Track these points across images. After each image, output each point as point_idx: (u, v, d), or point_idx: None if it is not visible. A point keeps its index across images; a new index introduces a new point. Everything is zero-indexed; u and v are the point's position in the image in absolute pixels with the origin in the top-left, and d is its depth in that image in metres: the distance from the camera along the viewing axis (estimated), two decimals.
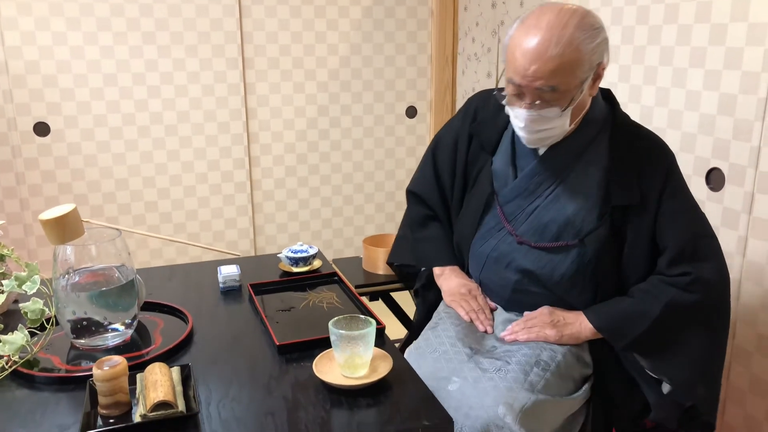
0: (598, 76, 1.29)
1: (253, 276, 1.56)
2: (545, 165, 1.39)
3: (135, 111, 3.12)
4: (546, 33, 1.20)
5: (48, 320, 1.23)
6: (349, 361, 1.08)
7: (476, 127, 1.52)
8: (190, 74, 3.16)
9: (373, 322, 1.12)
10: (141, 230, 2.54)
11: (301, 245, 1.63)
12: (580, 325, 1.36)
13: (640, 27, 1.93)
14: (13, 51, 2.89)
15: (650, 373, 1.36)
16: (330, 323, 1.11)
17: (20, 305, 1.24)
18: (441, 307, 1.55)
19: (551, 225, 1.37)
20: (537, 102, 1.25)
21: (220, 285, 1.49)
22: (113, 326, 1.21)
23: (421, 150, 3.62)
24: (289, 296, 1.46)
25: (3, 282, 1.27)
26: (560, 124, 1.30)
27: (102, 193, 3.17)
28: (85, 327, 1.19)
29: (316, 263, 1.64)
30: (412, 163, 3.65)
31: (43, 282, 1.27)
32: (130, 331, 1.25)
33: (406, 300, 2.42)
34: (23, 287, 1.24)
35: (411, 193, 1.70)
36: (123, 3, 2.98)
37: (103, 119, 3.08)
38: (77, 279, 1.21)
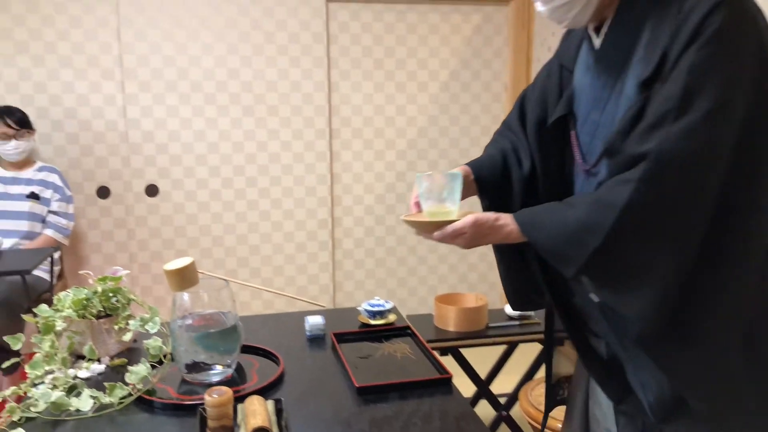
0: None
1: (335, 326, 1.75)
2: (606, 56, 1.16)
3: (233, 175, 3.46)
4: None
5: (165, 356, 1.45)
6: (432, 211, 1.21)
7: (563, 47, 1.34)
8: (283, 143, 3.49)
9: (459, 173, 1.24)
10: (236, 281, 2.80)
11: (378, 300, 1.81)
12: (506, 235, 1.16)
13: None
14: (133, 123, 3.31)
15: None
16: (417, 175, 1.24)
17: (144, 342, 1.47)
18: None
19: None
20: None
21: (307, 333, 1.68)
22: (218, 364, 1.42)
23: None
24: (367, 345, 1.63)
25: (129, 322, 1.52)
26: None
27: (200, 248, 3.49)
28: (195, 363, 1.41)
29: (392, 317, 1.80)
30: None
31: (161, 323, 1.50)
32: (231, 369, 1.45)
33: (474, 356, 2.53)
34: (146, 327, 1.48)
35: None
36: (227, 80, 3.37)
37: (204, 182, 3.43)
38: (190, 322, 1.43)
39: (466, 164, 1.40)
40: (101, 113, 3.28)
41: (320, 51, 3.47)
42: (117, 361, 1.50)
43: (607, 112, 1.16)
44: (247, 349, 1.57)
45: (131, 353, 1.58)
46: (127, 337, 1.51)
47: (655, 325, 1.06)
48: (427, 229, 1.20)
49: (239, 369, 1.49)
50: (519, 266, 1.38)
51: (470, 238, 1.16)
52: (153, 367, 1.45)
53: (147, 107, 3.32)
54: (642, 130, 1.02)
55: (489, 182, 1.38)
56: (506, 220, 1.16)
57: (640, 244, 1.03)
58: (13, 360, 1.47)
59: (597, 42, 1.18)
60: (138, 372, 1.36)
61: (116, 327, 1.53)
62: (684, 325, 1.07)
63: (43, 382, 1.34)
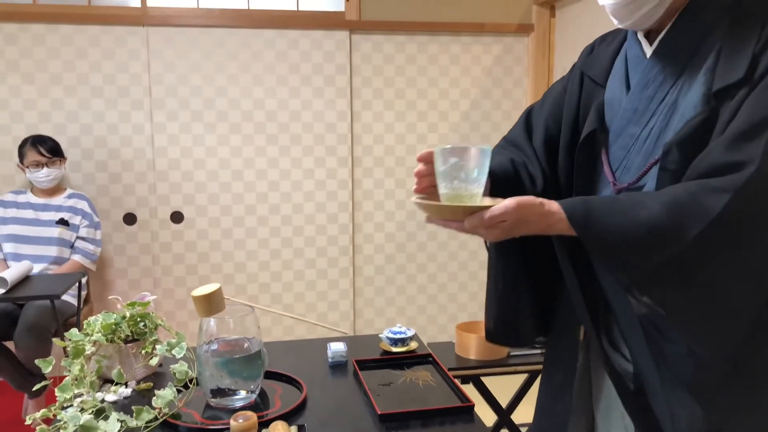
0: None
1: (357, 353, 1.76)
2: (657, 66, 1.09)
3: (256, 203, 3.52)
4: None
5: (191, 381, 1.48)
6: (455, 194, 1.00)
7: (589, 60, 1.26)
8: (305, 171, 3.54)
9: (489, 147, 1.02)
10: (261, 307, 2.83)
11: (400, 327, 1.82)
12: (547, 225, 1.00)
13: None
14: (160, 151, 3.39)
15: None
16: (437, 149, 1.02)
17: (171, 367, 1.50)
18: None
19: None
20: None
21: (329, 359, 1.70)
22: (242, 389, 1.44)
23: None
24: (389, 373, 1.64)
25: (156, 347, 1.55)
26: None
27: (223, 274, 3.54)
28: (220, 388, 1.43)
29: (413, 344, 1.81)
30: None
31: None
32: (255, 395, 1.47)
33: (496, 385, 2.52)
34: (173, 351, 1.51)
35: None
36: (252, 109, 3.45)
37: (228, 209, 3.49)
38: (216, 347, 1.46)
39: None
40: (130, 142, 3.37)
41: (343, 81, 3.53)
42: (143, 385, 1.53)
43: (650, 126, 1.07)
44: (270, 375, 1.59)
45: (157, 377, 1.61)
46: (154, 361, 1.54)
47: (720, 367, 0.97)
48: (456, 214, 1.00)
49: (262, 395, 1.50)
50: (522, 285, 1.26)
51: (510, 226, 0.98)
52: (179, 391, 1.48)
53: (174, 136, 3.40)
54: (733, 137, 0.93)
55: (501, 183, 1.20)
56: (553, 206, 0.99)
57: (726, 264, 0.93)
58: (43, 383, 1.50)
59: (649, 50, 1.10)
60: (164, 396, 1.39)
61: (143, 351, 1.56)
62: (747, 371, 0.98)
63: (71, 405, 1.37)
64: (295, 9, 3.52)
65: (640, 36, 1.13)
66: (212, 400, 1.44)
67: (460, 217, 0.99)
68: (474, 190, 1.01)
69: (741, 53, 0.97)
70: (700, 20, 1.04)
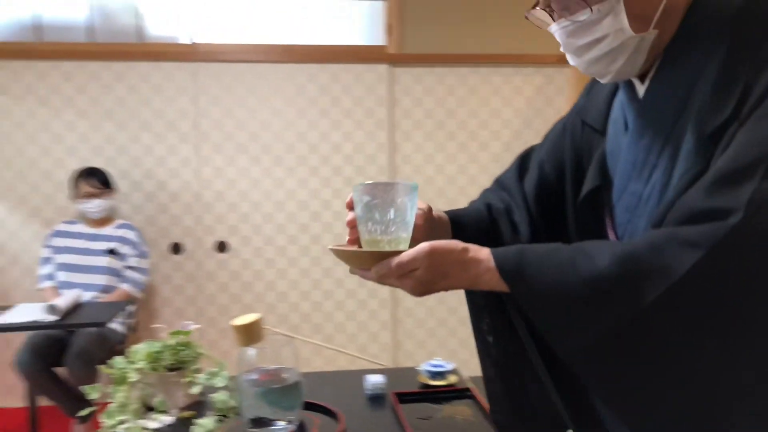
0: None
1: (396, 385, 1.75)
2: (652, 110, 0.91)
3: (298, 233, 3.56)
4: None
5: (230, 410, 1.49)
6: (371, 238, 0.87)
7: (586, 103, 1.09)
8: (345, 202, 3.58)
9: (416, 184, 0.88)
10: (300, 337, 2.85)
11: (439, 360, 1.80)
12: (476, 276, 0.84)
13: None
14: (206, 183, 3.48)
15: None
16: (354, 186, 0.89)
17: (210, 396, 1.52)
18: None
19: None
20: (563, 9, 0.90)
21: (367, 391, 1.69)
22: (281, 420, 1.45)
23: None
24: (427, 406, 1.63)
25: (198, 375, 1.57)
26: (612, 28, 0.86)
27: (265, 303, 3.58)
28: (259, 418, 1.44)
29: (453, 378, 1.79)
30: None
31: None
32: (294, 426, 1.48)
33: None
34: (214, 380, 1.53)
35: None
36: (294, 142, 3.52)
37: (271, 239, 3.54)
38: (255, 377, 1.47)
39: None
40: (177, 174, 3.48)
41: (383, 113, 3.58)
42: (186, 414, 1.55)
43: (653, 182, 0.88)
44: (308, 406, 1.60)
45: (199, 406, 1.63)
46: (196, 390, 1.57)
47: None
48: (363, 262, 0.86)
49: (300, 426, 1.51)
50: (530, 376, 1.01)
51: (426, 277, 0.82)
52: (219, 420, 1.49)
53: (219, 168, 3.49)
54: (715, 179, 0.76)
55: (468, 232, 1.06)
56: (479, 254, 0.83)
57: (692, 340, 0.74)
58: (90, 409, 1.54)
59: (642, 90, 0.93)
60: (205, 425, 1.40)
61: (185, 380, 1.59)
62: None
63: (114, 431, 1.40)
64: (338, 44, 3.60)
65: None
66: (251, 429, 1.45)
67: (368, 265, 0.85)
68: (394, 234, 0.87)
69: (732, 85, 0.80)
70: (692, 49, 0.87)
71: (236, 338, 1.51)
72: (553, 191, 1.09)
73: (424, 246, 0.82)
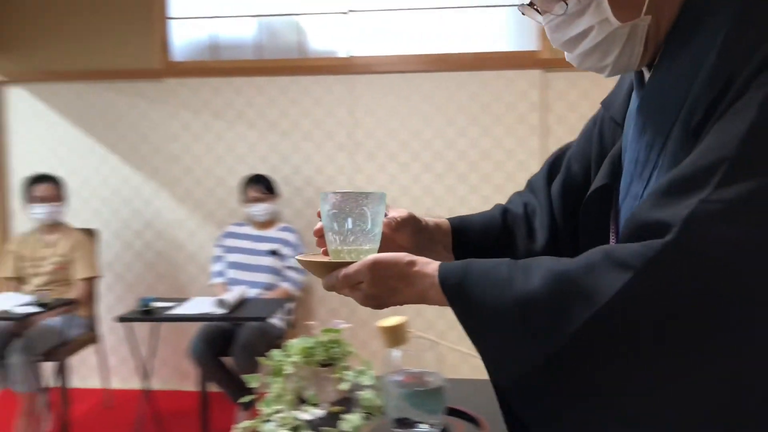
0: None
1: None
2: (653, 103, 0.81)
3: None
4: None
5: (376, 408, 1.55)
6: (332, 248, 0.86)
7: (610, 94, 1.01)
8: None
9: (383, 193, 0.85)
10: (445, 343, 2.86)
11: None
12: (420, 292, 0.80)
13: None
14: (359, 189, 3.63)
15: None
16: (321, 194, 0.86)
17: (358, 393, 1.58)
18: None
19: None
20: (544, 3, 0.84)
21: None
22: (424, 422, 1.47)
23: None
24: None
25: (347, 373, 1.65)
26: (596, 19, 0.79)
27: (414, 308, 3.63)
28: (402, 419, 1.47)
29: None
30: None
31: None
32: (437, 429, 1.49)
33: None
34: (361, 378, 1.59)
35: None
36: (443, 149, 3.55)
37: None
38: (400, 378, 1.51)
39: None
40: (334, 181, 3.66)
41: (535, 119, 3.50)
42: (336, 408, 1.63)
43: (653, 184, 0.78)
44: (452, 412, 1.60)
45: (347, 402, 1.71)
46: (344, 386, 1.64)
47: None
48: (317, 272, 0.88)
49: (444, 430, 1.52)
50: None
51: (373, 291, 0.81)
52: (365, 417, 1.55)
53: (371, 175, 3.62)
54: (666, 187, 0.67)
55: (473, 239, 1.02)
56: (426, 268, 0.78)
57: (625, 372, 0.65)
58: (251, 397, 1.67)
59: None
60: (352, 421, 1.47)
61: (335, 375, 1.67)
62: None
63: (271, 420, 1.50)
64: (489, 51, 3.59)
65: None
66: (396, 430, 1.49)
67: (322, 275, 0.85)
68: (353, 245, 0.84)
69: (721, 73, 0.69)
70: (697, 36, 0.76)
71: (382, 339, 1.56)
72: (579, 188, 1.00)
73: (368, 258, 0.79)
